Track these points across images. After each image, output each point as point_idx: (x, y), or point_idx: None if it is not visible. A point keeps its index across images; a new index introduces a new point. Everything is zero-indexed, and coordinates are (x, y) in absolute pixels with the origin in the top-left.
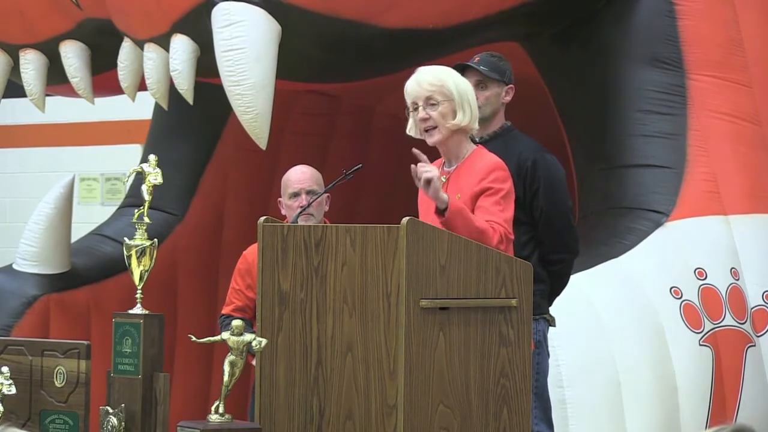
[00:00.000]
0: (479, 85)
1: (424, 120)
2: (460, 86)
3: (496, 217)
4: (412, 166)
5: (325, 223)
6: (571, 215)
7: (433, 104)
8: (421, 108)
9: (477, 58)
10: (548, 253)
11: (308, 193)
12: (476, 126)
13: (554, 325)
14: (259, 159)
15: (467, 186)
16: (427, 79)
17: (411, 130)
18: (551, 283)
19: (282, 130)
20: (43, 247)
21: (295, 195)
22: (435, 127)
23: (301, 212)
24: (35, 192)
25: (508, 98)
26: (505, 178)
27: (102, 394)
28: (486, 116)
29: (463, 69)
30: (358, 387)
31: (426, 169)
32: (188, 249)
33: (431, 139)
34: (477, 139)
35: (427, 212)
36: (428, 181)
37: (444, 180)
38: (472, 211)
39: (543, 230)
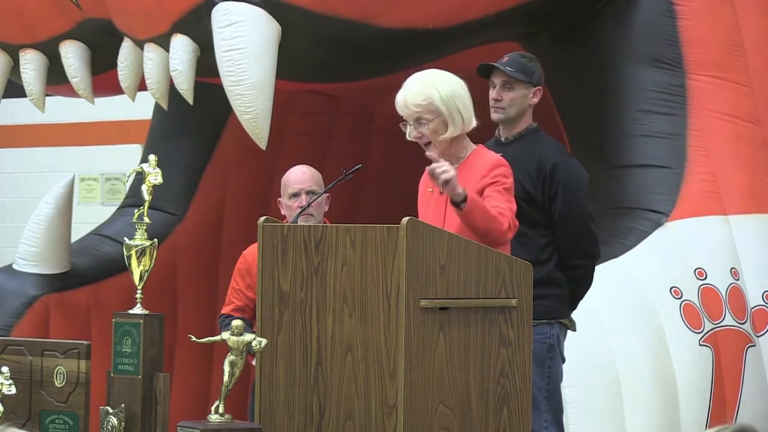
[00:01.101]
0: (505, 86)
1: (418, 138)
2: (446, 98)
3: (503, 204)
4: (428, 168)
5: (324, 223)
6: (591, 221)
7: (423, 123)
8: (411, 128)
9: (505, 58)
10: (567, 258)
11: (308, 193)
12: (473, 125)
13: (574, 330)
14: (259, 159)
15: (470, 184)
16: (413, 101)
17: (410, 135)
18: (572, 288)
19: (282, 130)
20: (43, 247)
21: (295, 195)
22: (430, 142)
23: (301, 212)
24: (35, 192)
25: (536, 100)
26: (508, 174)
27: (102, 394)
28: (511, 117)
29: (489, 69)
30: (358, 387)
31: (443, 169)
32: (188, 249)
33: (430, 153)
34: (502, 139)
35: (425, 213)
36: (446, 182)
37: None
38: None
39: (561, 234)
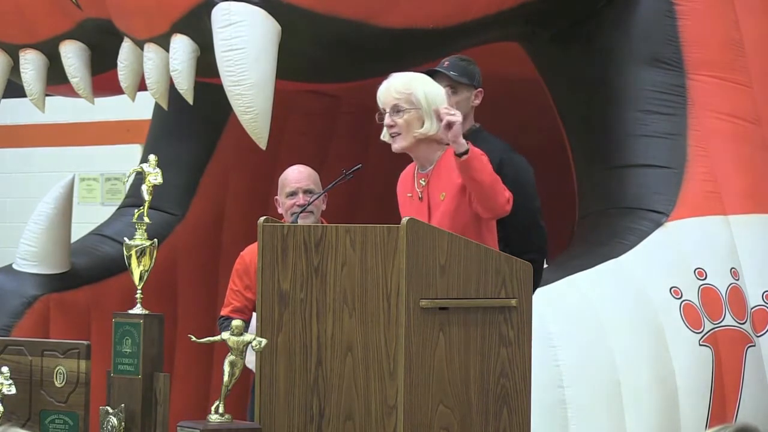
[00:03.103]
0: (449, 90)
1: (390, 126)
2: (429, 95)
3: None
4: (436, 108)
5: (321, 222)
6: (539, 215)
7: (398, 111)
8: (387, 115)
9: (446, 63)
10: (518, 254)
11: (305, 192)
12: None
13: None
14: (259, 159)
15: (449, 182)
16: (396, 87)
17: (385, 135)
18: None
19: (282, 130)
20: (43, 247)
21: (293, 194)
22: (400, 134)
23: (301, 211)
24: (35, 192)
25: (478, 101)
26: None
27: (102, 394)
28: None
29: (433, 74)
30: (358, 387)
31: (451, 113)
32: (188, 249)
33: (395, 146)
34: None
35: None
36: (449, 125)
37: (423, 183)
38: (461, 204)
39: (511, 230)
